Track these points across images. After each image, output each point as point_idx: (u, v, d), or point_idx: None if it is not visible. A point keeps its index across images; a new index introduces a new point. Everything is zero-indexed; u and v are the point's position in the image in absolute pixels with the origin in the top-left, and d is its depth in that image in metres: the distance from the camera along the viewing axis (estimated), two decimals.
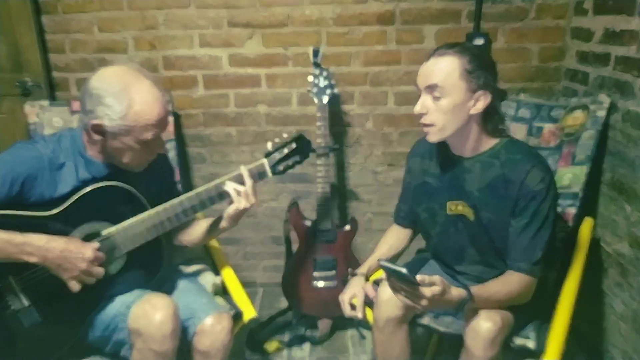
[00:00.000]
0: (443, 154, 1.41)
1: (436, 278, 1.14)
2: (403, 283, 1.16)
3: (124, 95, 1.18)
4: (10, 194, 1.19)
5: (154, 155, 1.31)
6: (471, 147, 1.33)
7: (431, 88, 1.24)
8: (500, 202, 1.30)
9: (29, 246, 1.16)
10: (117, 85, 1.19)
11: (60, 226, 1.23)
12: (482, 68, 1.23)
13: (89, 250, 1.21)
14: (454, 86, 1.22)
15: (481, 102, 1.25)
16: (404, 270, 1.09)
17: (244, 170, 1.34)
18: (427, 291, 1.12)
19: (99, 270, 1.24)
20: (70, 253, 1.18)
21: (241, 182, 1.33)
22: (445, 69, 1.22)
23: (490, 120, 1.30)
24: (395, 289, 1.20)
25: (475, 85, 1.23)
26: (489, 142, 1.33)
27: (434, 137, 1.30)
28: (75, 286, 1.21)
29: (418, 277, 1.11)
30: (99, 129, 1.21)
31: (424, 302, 1.14)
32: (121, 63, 1.27)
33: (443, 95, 1.23)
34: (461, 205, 1.38)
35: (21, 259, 1.16)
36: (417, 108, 1.27)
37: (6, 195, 1.19)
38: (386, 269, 1.17)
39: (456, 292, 1.19)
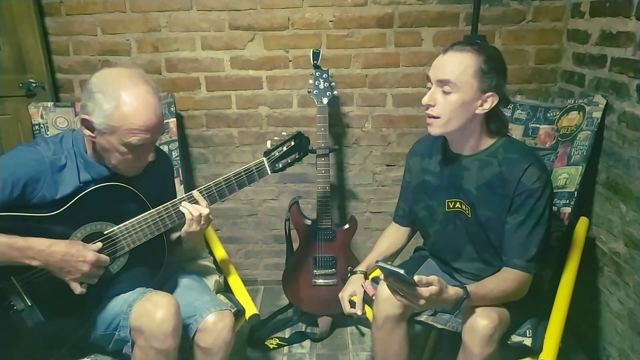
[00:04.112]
0: (442, 152, 1.42)
1: (433, 278, 1.16)
2: (401, 283, 1.17)
3: (114, 95, 1.18)
4: (12, 197, 1.19)
5: (142, 162, 1.29)
6: (470, 146, 1.34)
7: (443, 82, 1.24)
8: (498, 200, 1.31)
9: (31, 250, 1.16)
10: (111, 85, 1.19)
11: (62, 226, 1.24)
12: (496, 70, 1.24)
13: (91, 253, 1.22)
14: (466, 83, 1.23)
15: (488, 103, 1.26)
16: (401, 271, 1.10)
17: (196, 195, 1.36)
18: (424, 291, 1.14)
19: (101, 271, 1.25)
20: (72, 257, 1.19)
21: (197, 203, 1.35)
22: (460, 65, 1.23)
23: (494, 122, 1.32)
24: (393, 290, 1.21)
25: (487, 86, 1.24)
26: (488, 142, 1.34)
27: (436, 129, 1.30)
28: (77, 288, 1.22)
29: (415, 278, 1.13)
30: (88, 125, 1.22)
31: (421, 302, 1.16)
32: (126, 65, 1.27)
33: (453, 90, 1.23)
34: (459, 202, 1.40)
35: (23, 262, 1.16)
36: (425, 99, 1.28)
37: (8, 198, 1.19)
38: (384, 270, 1.18)
39: (453, 291, 1.21)
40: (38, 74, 2.12)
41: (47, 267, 1.19)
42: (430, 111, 1.28)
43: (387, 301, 1.36)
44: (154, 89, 1.24)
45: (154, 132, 1.24)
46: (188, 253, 1.62)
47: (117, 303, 1.32)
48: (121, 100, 1.18)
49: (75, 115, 1.96)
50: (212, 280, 1.58)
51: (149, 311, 1.24)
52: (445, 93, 1.25)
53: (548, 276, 1.55)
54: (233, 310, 1.42)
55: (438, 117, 1.27)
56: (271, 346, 2.04)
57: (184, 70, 2.18)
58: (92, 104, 1.19)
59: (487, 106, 1.26)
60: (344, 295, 1.52)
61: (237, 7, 2.08)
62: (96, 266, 1.23)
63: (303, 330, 2.16)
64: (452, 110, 1.25)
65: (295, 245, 2.08)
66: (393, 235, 1.64)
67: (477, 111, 1.27)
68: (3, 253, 1.14)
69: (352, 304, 1.51)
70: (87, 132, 1.24)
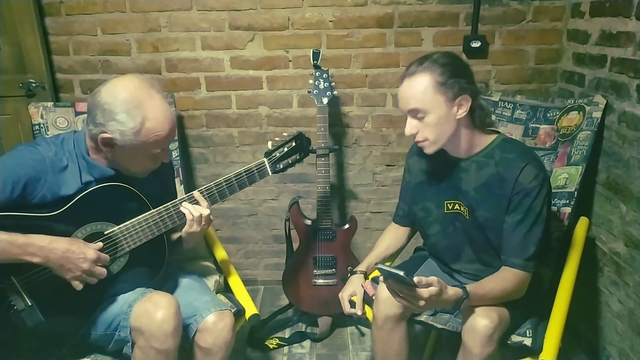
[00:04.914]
0: (441, 154, 1.42)
1: (433, 279, 1.16)
2: (400, 285, 1.17)
3: (138, 113, 1.19)
4: (12, 197, 1.18)
5: (158, 164, 1.33)
6: (465, 149, 1.35)
7: (413, 111, 1.28)
8: (496, 201, 1.31)
9: (32, 247, 1.16)
10: (131, 102, 1.19)
11: (63, 226, 1.24)
12: (454, 76, 1.24)
13: (92, 250, 1.22)
14: (431, 102, 1.25)
15: (463, 106, 1.27)
16: (401, 273, 1.10)
17: (197, 195, 1.36)
18: (424, 292, 1.14)
19: (102, 270, 1.25)
20: (73, 254, 1.19)
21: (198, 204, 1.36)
22: (418, 90, 1.25)
23: (477, 117, 1.32)
24: (392, 291, 1.21)
25: (452, 93, 1.24)
26: (483, 141, 1.35)
27: (430, 149, 1.33)
28: (78, 285, 1.22)
29: (415, 279, 1.13)
30: (108, 142, 1.22)
31: (421, 303, 1.16)
32: (131, 75, 1.25)
33: (425, 113, 1.26)
34: (458, 204, 1.40)
35: (24, 259, 1.16)
36: (407, 131, 1.31)
37: (8, 198, 1.18)
38: (383, 272, 1.18)
39: (453, 291, 1.21)
40: (38, 74, 2.12)
41: (48, 264, 1.19)
42: (417, 138, 1.32)
43: (387, 301, 1.35)
44: (162, 94, 1.26)
45: (173, 137, 1.30)
46: (188, 253, 1.62)
47: (118, 303, 1.32)
48: (145, 116, 1.20)
49: (76, 115, 1.95)
50: (212, 280, 1.58)
51: (149, 311, 1.24)
52: (420, 118, 1.28)
53: (548, 276, 1.55)
54: (233, 310, 1.42)
55: (426, 140, 1.30)
56: (271, 346, 2.04)
57: (184, 70, 2.18)
58: (114, 123, 1.19)
59: (464, 110, 1.27)
60: (344, 295, 1.52)
61: (237, 7, 2.08)
62: (96, 264, 1.23)
63: (303, 330, 2.16)
64: (433, 130, 1.28)
65: (295, 245, 2.08)
66: (393, 236, 1.64)
67: (458, 117, 1.28)
68: (4, 250, 1.14)
69: (352, 304, 1.51)
70: (105, 149, 1.24)
